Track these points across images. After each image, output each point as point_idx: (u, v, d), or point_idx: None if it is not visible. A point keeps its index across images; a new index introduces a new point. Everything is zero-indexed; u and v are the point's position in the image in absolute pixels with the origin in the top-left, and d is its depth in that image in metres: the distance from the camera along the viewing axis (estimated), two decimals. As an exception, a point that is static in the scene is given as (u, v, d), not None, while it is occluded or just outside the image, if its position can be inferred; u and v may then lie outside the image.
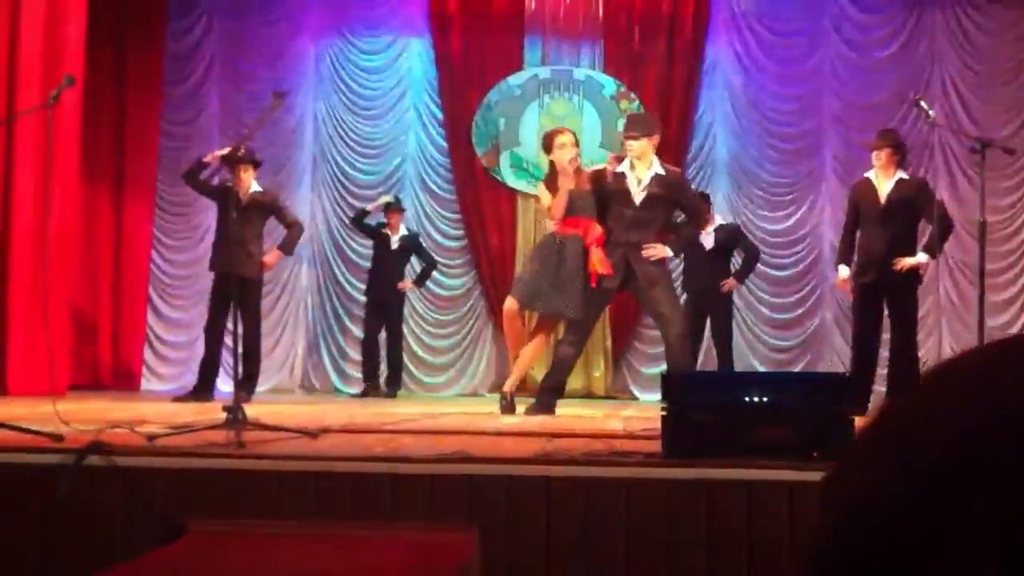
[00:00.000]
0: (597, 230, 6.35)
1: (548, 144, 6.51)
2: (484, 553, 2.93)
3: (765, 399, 3.17)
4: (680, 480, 3.20)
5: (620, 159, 6.49)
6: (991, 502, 0.44)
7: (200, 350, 9.93)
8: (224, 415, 4.25)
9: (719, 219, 8.50)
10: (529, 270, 6.48)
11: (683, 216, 6.80)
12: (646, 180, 6.36)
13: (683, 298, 8.77)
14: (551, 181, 6.45)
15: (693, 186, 9.14)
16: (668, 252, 6.44)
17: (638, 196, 6.36)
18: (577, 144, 6.51)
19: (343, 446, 4.01)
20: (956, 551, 0.45)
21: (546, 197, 6.47)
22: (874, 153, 6.92)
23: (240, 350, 5.34)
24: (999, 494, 0.44)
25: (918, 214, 6.88)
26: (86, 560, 2.99)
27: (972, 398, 0.50)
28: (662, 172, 6.41)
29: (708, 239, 8.32)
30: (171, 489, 3.29)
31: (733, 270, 8.51)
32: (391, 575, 2.59)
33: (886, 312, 6.94)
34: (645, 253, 6.32)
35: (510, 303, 6.51)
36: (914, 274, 6.88)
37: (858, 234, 6.99)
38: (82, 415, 5.18)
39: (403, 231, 9.19)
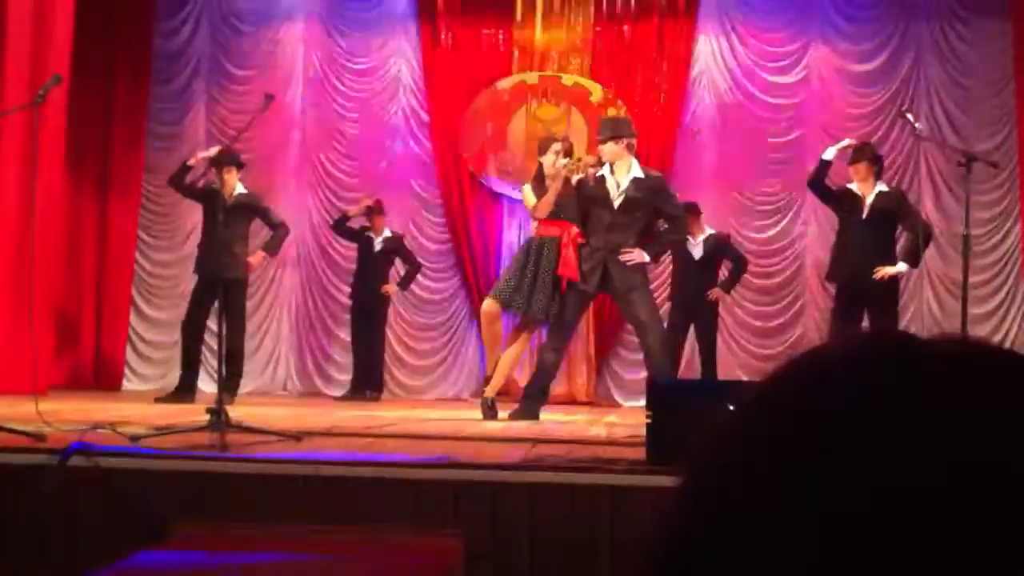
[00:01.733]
0: (574, 232, 6.48)
1: (543, 148, 6.67)
2: (468, 558, 2.93)
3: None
4: (665, 487, 3.21)
5: (601, 163, 6.57)
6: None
7: (180, 352, 9.93)
8: (207, 417, 4.25)
9: (708, 229, 8.53)
10: (509, 271, 6.60)
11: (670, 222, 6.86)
12: (625, 184, 6.38)
13: (667, 306, 8.83)
14: (537, 183, 6.59)
15: (680, 195, 9.18)
16: (645, 257, 6.45)
17: (616, 200, 6.38)
18: (569, 154, 6.64)
19: (327, 450, 4.01)
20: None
21: (530, 198, 6.60)
22: (852, 168, 7.05)
23: (224, 351, 5.32)
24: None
25: (897, 225, 7.04)
26: (70, 561, 2.98)
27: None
28: (641, 176, 6.44)
29: (697, 249, 8.35)
30: (155, 491, 3.28)
31: (720, 280, 8.55)
32: (375, 579, 2.59)
33: (865, 322, 7.05)
34: (623, 258, 6.32)
35: (488, 304, 6.60)
36: (894, 283, 7.01)
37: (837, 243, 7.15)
38: (64, 415, 5.17)
39: (386, 233, 9.18)
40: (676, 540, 0.51)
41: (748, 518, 0.47)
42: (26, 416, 4.51)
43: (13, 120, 7.18)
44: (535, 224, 6.66)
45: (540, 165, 6.64)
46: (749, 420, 0.51)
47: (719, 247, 8.48)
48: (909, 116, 6.85)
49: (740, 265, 8.57)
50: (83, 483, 3.24)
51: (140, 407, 6.68)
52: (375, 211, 9.14)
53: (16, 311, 7.48)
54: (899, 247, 7.19)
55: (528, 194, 6.64)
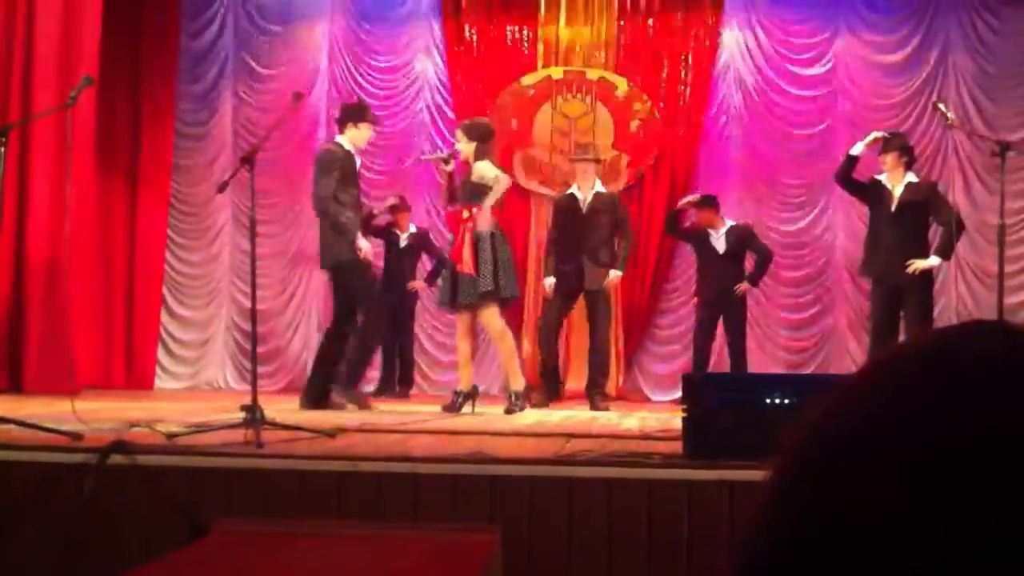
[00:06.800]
0: (465, 217, 6.67)
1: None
2: (506, 553, 2.93)
3: (787, 401, 3.18)
4: (701, 481, 3.20)
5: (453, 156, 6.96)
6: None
7: (210, 350, 9.98)
8: (242, 414, 4.26)
9: (729, 221, 8.47)
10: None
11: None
12: (590, 196, 7.62)
13: (695, 301, 8.81)
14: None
15: (706, 188, 9.17)
16: (618, 274, 7.68)
17: (585, 208, 7.61)
18: (454, 152, 6.92)
19: (361, 446, 4.02)
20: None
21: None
22: (881, 157, 6.99)
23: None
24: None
25: (929, 216, 6.95)
26: (112, 559, 3.00)
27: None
28: (603, 190, 7.73)
29: (720, 242, 8.29)
30: (193, 488, 3.30)
31: (746, 272, 8.49)
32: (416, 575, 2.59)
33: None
34: (607, 283, 7.61)
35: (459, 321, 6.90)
36: (928, 275, 6.93)
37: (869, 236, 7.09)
38: (99, 414, 5.21)
39: (411, 229, 9.21)
40: (765, 539, 0.49)
41: (846, 516, 0.46)
42: (62, 415, 4.55)
43: (44, 122, 7.23)
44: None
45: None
46: (847, 416, 0.50)
47: (743, 239, 8.40)
48: (942, 107, 6.77)
49: (766, 257, 8.49)
50: (122, 481, 3.26)
51: (173, 405, 6.72)
52: (399, 208, 9.16)
53: (50, 312, 7.54)
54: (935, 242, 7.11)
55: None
